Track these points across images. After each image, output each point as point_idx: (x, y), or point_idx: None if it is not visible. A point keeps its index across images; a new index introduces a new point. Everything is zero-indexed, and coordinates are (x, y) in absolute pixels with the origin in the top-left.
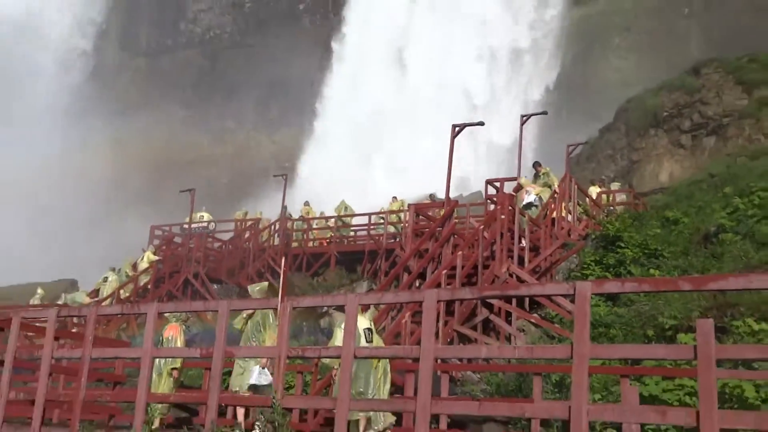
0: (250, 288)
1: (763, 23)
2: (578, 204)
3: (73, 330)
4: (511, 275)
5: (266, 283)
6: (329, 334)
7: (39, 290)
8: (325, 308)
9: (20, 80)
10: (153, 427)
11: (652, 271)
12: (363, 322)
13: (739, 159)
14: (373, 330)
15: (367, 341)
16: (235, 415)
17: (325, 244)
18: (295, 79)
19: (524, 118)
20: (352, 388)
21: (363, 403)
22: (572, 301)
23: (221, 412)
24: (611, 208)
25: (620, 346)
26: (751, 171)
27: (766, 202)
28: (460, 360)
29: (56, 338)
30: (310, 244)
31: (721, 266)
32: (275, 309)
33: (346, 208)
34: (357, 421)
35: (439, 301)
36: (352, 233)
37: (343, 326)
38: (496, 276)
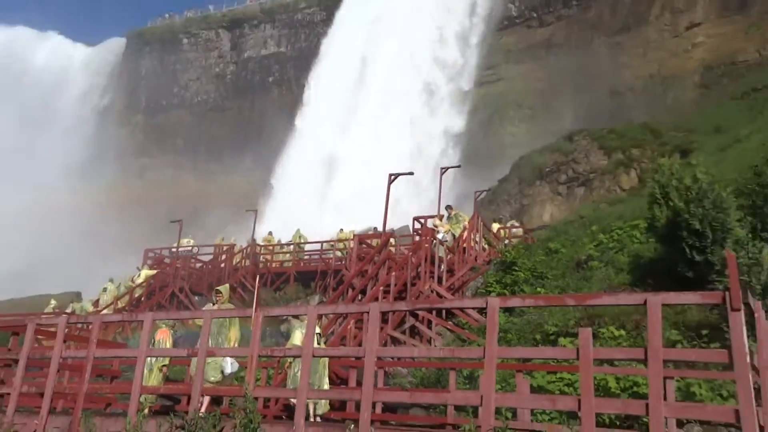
0: (219, 287)
1: (615, 105)
2: (483, 237)
3: (77, 334)
4: (432, 291)
5: (227, 285)
6: (287, 336)
7: (52, 301)
8: (285, 316)
9: (47, 125)
10: (144, 413)
11: (539, 289)
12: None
13: (601, 205)
14: (321, 334)
15: (317, 343)
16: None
17: (280, 266)
18: (265, 134)
19: (443, 170)
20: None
21: (318, 392)
22: (481, 313)
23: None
24: (508, 240)
25: (520, 348)
26: (611, 214)
27: (622, 237)
28: (393, 358)
29: (64, 341)
30: (274, 264)
31: (590, 286)
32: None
33: (300, 236)
34: (307, 406)
35: (380, 312)
36: (306, 256)
37: (300, 329)
38: (421, 292)
